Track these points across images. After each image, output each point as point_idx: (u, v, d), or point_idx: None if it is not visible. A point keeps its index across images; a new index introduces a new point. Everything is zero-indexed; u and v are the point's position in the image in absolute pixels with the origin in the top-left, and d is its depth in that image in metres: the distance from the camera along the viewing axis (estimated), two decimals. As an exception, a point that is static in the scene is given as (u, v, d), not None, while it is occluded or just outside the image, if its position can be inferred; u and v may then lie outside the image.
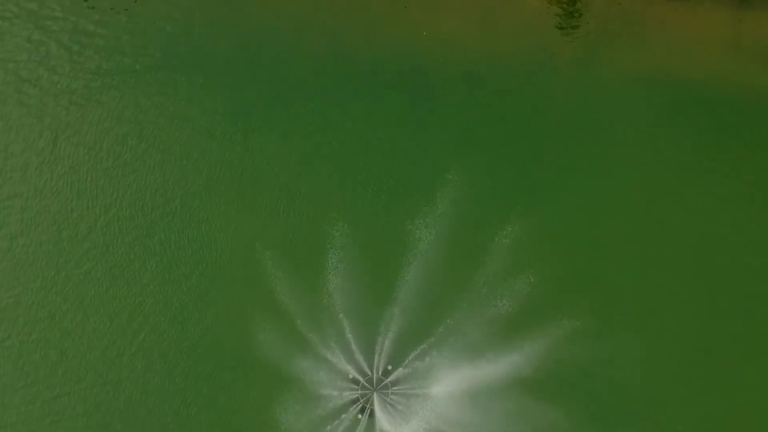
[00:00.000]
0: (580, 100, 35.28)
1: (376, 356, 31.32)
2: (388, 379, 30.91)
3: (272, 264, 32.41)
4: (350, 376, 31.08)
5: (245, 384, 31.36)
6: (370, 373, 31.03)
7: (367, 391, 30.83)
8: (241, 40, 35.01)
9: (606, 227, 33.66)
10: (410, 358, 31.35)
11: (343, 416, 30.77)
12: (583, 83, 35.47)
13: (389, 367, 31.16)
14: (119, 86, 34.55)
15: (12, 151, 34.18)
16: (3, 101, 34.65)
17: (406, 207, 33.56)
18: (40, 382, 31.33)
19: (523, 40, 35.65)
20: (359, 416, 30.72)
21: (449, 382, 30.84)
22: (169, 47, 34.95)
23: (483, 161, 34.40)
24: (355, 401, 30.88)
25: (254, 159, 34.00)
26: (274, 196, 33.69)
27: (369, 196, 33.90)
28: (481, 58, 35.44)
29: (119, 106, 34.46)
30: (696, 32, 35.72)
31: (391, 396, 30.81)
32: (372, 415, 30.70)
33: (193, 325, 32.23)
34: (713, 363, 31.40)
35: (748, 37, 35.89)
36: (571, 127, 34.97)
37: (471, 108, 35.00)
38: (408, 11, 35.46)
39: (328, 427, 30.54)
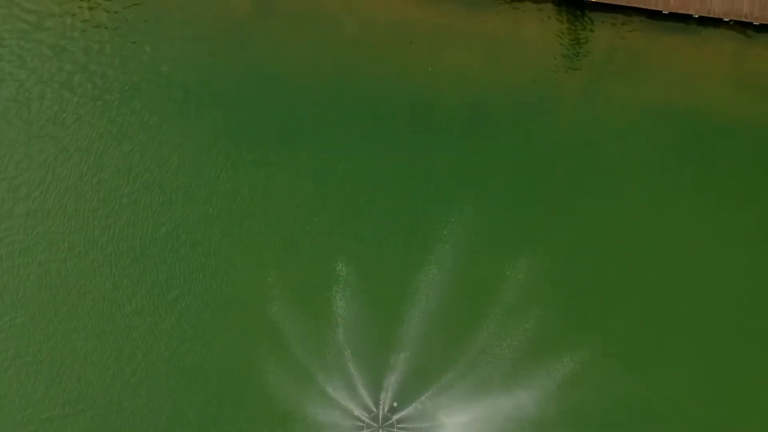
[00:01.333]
0: (586, 132, 35.37)
1: (382, 393, 31.22)
2: (394, 417, 30.76)
3: (278, 301, 32.49)
4: (355, 413, 30.95)
5: (249, 419, 31.47)
6: (375, 410, 30.89)
7: (373, 429, 30.67)
8: (247, 79, 35.21)
9: (611, 260, 33.73)
10: (417, 395, 31.39)
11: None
12: (588, 116, 35.57)
13: (395, 404, 31.06)
14: (125, 123, 34.74)
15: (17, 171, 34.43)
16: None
17: (413, 243, 33.77)
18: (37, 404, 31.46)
19: (528, 74, 35.77)
20: None
21: (457, 421, 30.72)
22: (171, 89, 35.10)
23: (488, 196, 34.63)
24: (360, 438, 30.93)
25: (259, 197, 34.14)
26: (280, 233, 33.79)
27: (375, 232, 34.05)
28: (486, 92, 35.59)
29: (123, 142, 34.63)
30: (700, 66, 35.83)
31: (397, 433, 30.83)
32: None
33: (197, 362, 32.38)
34: (721, 398, 31.52)
35: (752, 71, 36.04)
36: (576, 160, 35.08)
37: (476, 142, 35.10)
38: (413, 47, 35.54)
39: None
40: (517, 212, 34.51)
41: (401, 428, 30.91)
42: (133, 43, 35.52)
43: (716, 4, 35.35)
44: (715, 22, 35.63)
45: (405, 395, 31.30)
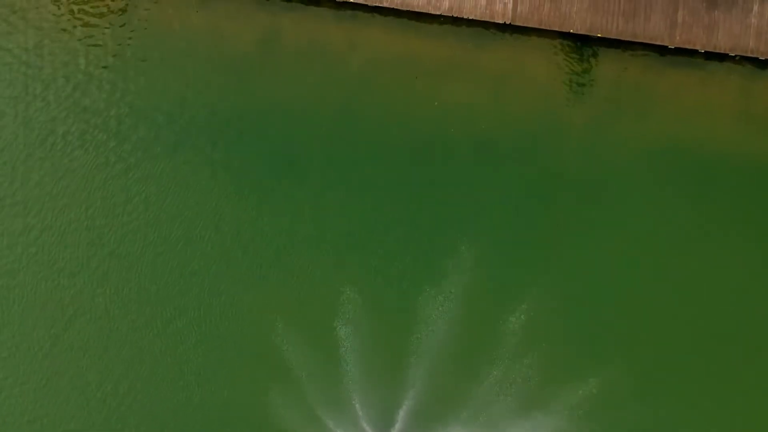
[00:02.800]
0: (591, 168, 35.26)
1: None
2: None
3: (282, 336, 32.40)
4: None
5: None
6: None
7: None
8: (249, 114, 35.19)
9: (616, 298, 33.60)
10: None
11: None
12: (593, 151, 35.44)
13: (401, 445, 31.01)
14: (124, 160, 34.73)
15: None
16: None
17: (419, 279, 33.56)
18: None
19: (533, 108, 35.69)
20: None
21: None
22: (172, 125, 35.06)
23: (493, 230, 34.49)
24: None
25: (265, 231, 34.04)
26: (285, 268, 33.69)
27: (380, 266, 33.91)
28: (491, 126, 35.54)
29: (123, 177, 34.64)
30: (706, 101, 35.72)
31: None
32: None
33: (198, 396, 32.32)
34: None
35: (759, 106, 35.85)
36: (582, 195, 35.00)
37: (482, 177, 35.02)
38: (418, 82, 35.47)
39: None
40: (521, 247, 34.38)
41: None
42: (133, 78, 35.41)
43: (722, 40, 35.26)
44: (721, 57, 35.53)
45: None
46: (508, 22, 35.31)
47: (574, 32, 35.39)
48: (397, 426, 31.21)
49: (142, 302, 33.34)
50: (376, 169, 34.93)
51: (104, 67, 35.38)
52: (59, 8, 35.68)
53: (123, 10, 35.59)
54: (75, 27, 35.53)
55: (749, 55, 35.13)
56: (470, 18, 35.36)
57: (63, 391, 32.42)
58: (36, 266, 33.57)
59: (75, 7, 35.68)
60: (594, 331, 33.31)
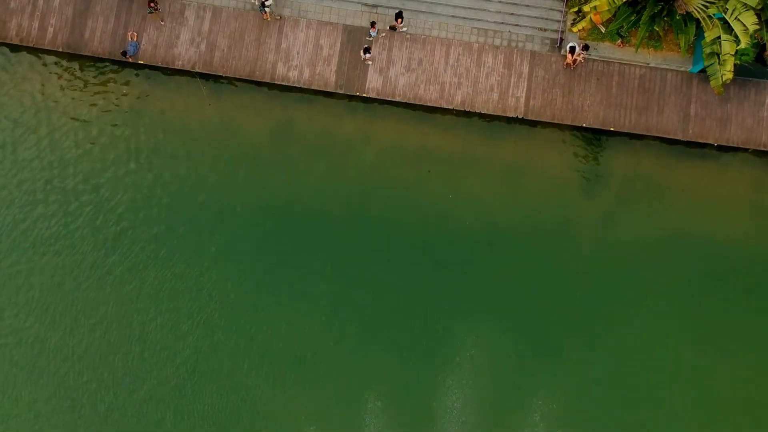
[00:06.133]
0: (604, 261, 35.29)
1: None
2: None
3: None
4: None
5: None
6: None
7: None
8: (263, 205, 35.00)
9: (630, 393, 33.67)
10: None
11: None
12: (606, 244, 35.44)
13: None
14: (134, 248, 34.61)
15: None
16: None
17: (432, 372, 33.70)
18: None
19: (546, 201, 35.67)
20: None
21: None
22: (181, 215, 34.95)
23: (507, 323, 34.56)
24: None
25: (274, 328, 33.99)
26: (299, 365, 33.66)
27: (394, 360, 33.93)
28: (505, 219, 35.53)
29: (133, 272, 34.45)
30: (719, 194, 35.71)
31: None
32: None
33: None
34: None
35: (772, 199, 35.93)
36: (594, 289, 35.02)
37: (495, 269, 35.05)
38: (432, 175, 35.44)
39: None
40: (534, 341, 34.42)
41: None
42: (142, 168, 35.31)
43: (735, 134, 35.27)
44: (734, 149, 35.57)
45: None
46: (520, 117, 35.29)
47: (587, 126, 35.37)
48: None
49: (155, 401, 33.23)
50: (388, 260, 34.88)
51: (110, 165, 35.27)
52: (69, 102, 35.65)
53: (133, 108, 35.56)
54: (85, 122, 35.50)
55: (762, 148, 35.17)
56: (483, 112, 35.35)
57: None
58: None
59: (83, 100, 35.62)
60: (607, 426, 33.40)
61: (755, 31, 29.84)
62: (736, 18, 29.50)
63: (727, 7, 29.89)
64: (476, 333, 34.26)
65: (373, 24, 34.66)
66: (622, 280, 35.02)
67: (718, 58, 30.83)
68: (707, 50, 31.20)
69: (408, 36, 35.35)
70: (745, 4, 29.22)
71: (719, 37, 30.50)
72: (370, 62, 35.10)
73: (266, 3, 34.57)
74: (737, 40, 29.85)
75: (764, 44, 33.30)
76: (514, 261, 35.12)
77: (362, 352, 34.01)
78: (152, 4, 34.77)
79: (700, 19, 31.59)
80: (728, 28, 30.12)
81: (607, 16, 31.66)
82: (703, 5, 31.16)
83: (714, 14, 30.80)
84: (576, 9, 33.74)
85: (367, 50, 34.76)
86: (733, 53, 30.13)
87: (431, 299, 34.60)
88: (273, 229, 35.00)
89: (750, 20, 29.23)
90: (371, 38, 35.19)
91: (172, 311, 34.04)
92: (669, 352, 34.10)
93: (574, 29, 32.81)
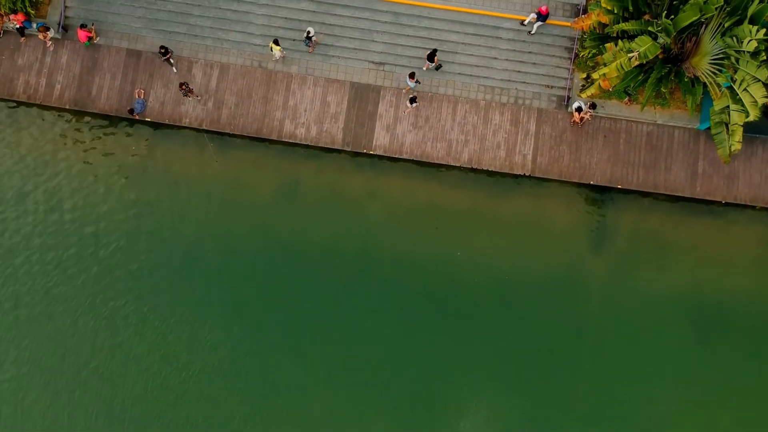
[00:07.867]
0: (611, 317, 35.37)
1: None
2: None
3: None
4: None
5: None
6: None
7: None
8: (264, 261, 35.06)
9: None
10: None
11: None
12: (613, 302, 35.51)
13: None
14: (136, 303, 34.81)
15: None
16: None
17: (440, 426, 34.04)
18: None
19: (553, 258, 35.70)
20: None
21: None
22: (184, 269, 35.10)
23: (512, 379, 34.77)
24: None
25: (273, 387, 34.23)
26: (302, 424, 33.87)
27: (396, 417, 34.12)
28: (511, 276, 35.55)
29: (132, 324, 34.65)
30: (727, 251, 35.71)
31: None
32: None
33: None
34: None
35: (781, 255, 35.94)
36: (601, 345, 35.17)
37: (502, 326, 35.14)
38: (439, 232, 35.48)
39: None
40: (541, 397, 34.58)
41: None
42: (152, 222, 35.48)
43: (742, 191, 35.22)
44: (741, 206, 35.52)
45: None
46: (528, 174, 35.27)
47: (595, 183, 35.34)
48: None
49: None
50: (394, 317, 35.03)
51: (117, 224, 35.43)
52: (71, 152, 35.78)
53: (139, 165, 35.65)
54: (95, 177, 35.62)
55: (770, 206, 35.19)
56: (490, 169, 35.34)
57: None
58: None
59: (89, 158, 35.70)
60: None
61: (764, 105, 29.71)
62: (744, 89, 29.35)
63: (736, 77, 29.72)
64: (480, 385, 34.50)
65: (412, 75, 34.17)
66: (629, 336, 35.12)
67: (726, 128, 30.70)
68: (715, 119, 31.05)
69: (415, 93, 35.32)
70: (754, 76, 29.05)
71: (728, 107, 30.36)
72: (412, 112, 35.25)
73: (310, 34, 34.58)
74: (745, 110, 29.71)
75: (772, 104, 33.20)
76: (522, 317, 35.23)
77: (366, 409, 34.18)
78: (183, 87, 34.64)
79: (707, 84, 31.45)
80: (737, 98, 29.97)
81: (616, 82, 31.50)
82: (711, 72, 31.02)
83: (723, 83, 30.65)
84: (585, 75, 33.60)
85: (413, 100, 34.66)
86: (741, 124, 30.00)
87: (438, 356, 34.76)
88: (279, 285, 35.12)
89: (759, 93, 29.04)
90: (413, 89, 35.10)
91: (170, 367, 34.44)
92: (677, 406, 34.31)
93: (583, 95, 32.65)
